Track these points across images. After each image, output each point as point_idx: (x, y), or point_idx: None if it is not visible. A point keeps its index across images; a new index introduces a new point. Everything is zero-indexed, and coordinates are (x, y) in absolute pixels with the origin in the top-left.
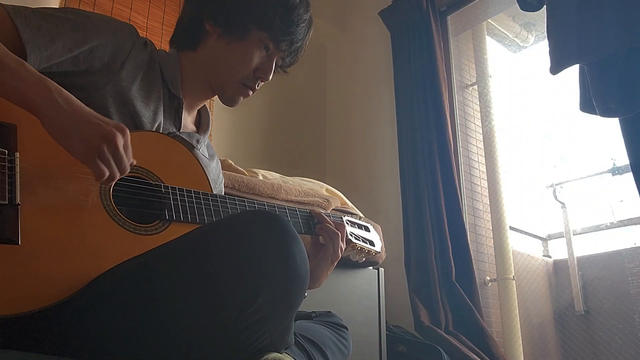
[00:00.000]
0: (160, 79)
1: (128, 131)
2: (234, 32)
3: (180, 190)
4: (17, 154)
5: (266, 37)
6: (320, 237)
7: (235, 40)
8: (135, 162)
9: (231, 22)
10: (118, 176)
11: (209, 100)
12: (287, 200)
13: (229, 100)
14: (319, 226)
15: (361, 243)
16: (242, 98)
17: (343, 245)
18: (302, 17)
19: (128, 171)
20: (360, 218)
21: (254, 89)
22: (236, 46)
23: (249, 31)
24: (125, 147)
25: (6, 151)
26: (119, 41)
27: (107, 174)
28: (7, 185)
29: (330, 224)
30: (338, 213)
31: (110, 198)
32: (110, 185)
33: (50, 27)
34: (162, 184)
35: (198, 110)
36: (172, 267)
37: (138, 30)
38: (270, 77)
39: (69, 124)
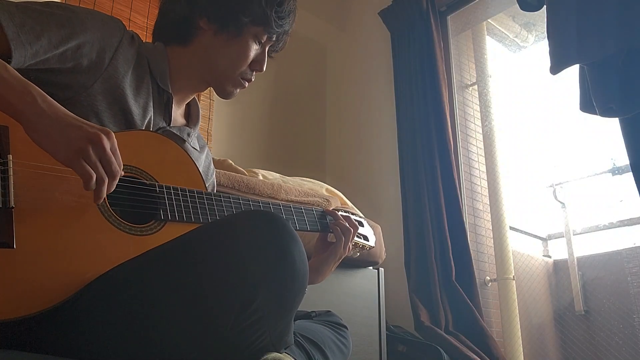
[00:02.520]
0: (148, 74)
1: (113, 135)
2: (230, 29)
3: (175, 189)
4: (10, 157)
5: (261, 31)
6: (330, 235)
7: (232, 37)
8: (122, 173)
9: (227, 19)
10: (107, 180)
11: (208, 101)
12: (287, 200)
13: (226, 95)
14: (333, 223)
15: (356, 238)
16: (238, 90)
17: (351, 245)
18: (292, 8)
19: (119, 175)
20: (355, 214)
21: (250, 81)
22: (233, 42)
23: (245, 27)
24: (113, 150)
25: None
26: (106, 37)
27: (95, 176)
28: (0, 189)
29: (343, 221)
30: (331, 209)
31: (104, 199)
32: None
33: (35, 24)
34: (157, 184)
35: (187, 103)
36: (167, 271)
37: (138, 30)
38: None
39: (53, 128)
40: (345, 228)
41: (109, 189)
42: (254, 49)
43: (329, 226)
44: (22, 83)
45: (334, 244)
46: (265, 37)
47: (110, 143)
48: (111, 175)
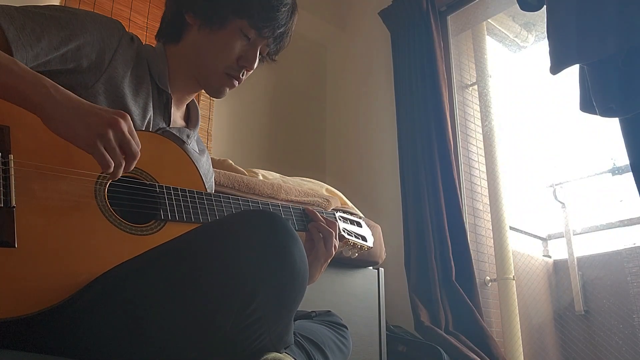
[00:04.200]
0: (148, 75)
1: (129, 116)
2: (213, 21)
3: (175, 189)
4: (11, 156)
5: (246, 24)
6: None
7: (215, 30)
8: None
9: (210, 12)
10: (124, 164)
11: (208, 101)
12: (287, 200)
13: (214, 92)
14: (311, 224)
15: (353, 239)
16: (227, 89)
17: (336, 243)
18: (283, 2)
19: (138, 154)
20: (353, 215)
21: (239, 79)
22: (216, 36)
23: (227, 20)
24: (130, 132)
25: (0, 153)
26: (105, 38)
27: (112, 165)
28: (1, 188)
29: (322, 222)
30: (331, 209)
31: (105, 198)
32: (106, 185)
33: (35, 26)
34: (157, 184)
35: (187, 105)
36: (166, 271)
37: (138, 30)
38: (255, 66)
39: (71, 117)
40: (325, 230)
41: (127, 169)
42: (240, 43)
43: (308, 227)
44: (34, 76)
45: (316, 245)
46: (252, 32)
47: (127, 125)
48: (131, 155)
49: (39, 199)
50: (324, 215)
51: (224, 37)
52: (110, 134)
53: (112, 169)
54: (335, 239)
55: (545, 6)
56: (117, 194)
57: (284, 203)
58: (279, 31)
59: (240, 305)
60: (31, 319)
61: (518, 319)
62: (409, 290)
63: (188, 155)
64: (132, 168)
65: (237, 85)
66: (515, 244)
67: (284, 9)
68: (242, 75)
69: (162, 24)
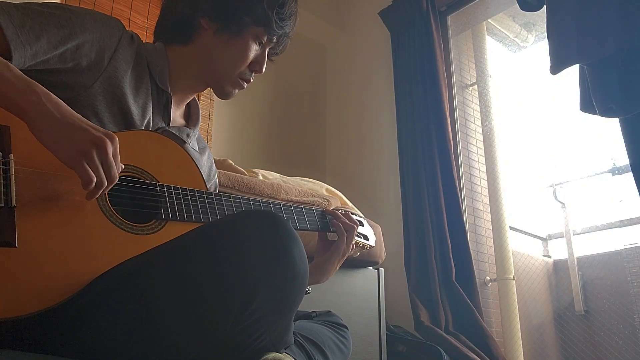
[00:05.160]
0: (147, 74)
1: (117, 139)
2: (231, 28)
3: (176, 188)
4: (12, 156)
5: (262, 31)
6: (330, 234)
7: (233, 37)
8: (123, 167)
9: (228, 19)
10: (106, 184)
11: (208, 101)
12: (287, 200)
13: (225, 95)
14: (335, 221)
15: (356, 238)
16: (237, 91)
17: (355, 239)
18: (293, 11)
19: (116, 180)
20: (355, 214)
21: (249, 82)
22: (234, 42)
23: (245, 27)
24: (114, 155)
25: (0, 153)
26: (105, 37)
27: (95, 180)
28: (2, 188)
29: (344, 218)
30: (331, 209)
31: (106, 198)
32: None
33: (34, 24)
34: (158, 183)
35: (187, 103)
36: (166, 270)
37: (138, 30)
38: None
39: (58, 129)
40: (347, 224)
41: (104, 192)
42: (254, 49)
43: (330, 224)
44: (26, 82)
45: (335, 242)
46: (265, 38)
47: (113, 148)
48: (110, 180)
49: (40, 198)
50: (343, 212)
51: (241, 43)
52: (94, 153)
53: (93, 184)
54: (354, 235)
55: (545, 6)
56: (117, 192)
57: (307, 206)
58: (285, 37)
59: (240, 305)
60: (32, 318)
61: (518, 319)
62: (409, 290)
63: (188, 154)
64: (107, 191)
65: (245, 87)
66: (515, 244)
67: (292, 17)
68: (252, 78)
69: (167, 23)
